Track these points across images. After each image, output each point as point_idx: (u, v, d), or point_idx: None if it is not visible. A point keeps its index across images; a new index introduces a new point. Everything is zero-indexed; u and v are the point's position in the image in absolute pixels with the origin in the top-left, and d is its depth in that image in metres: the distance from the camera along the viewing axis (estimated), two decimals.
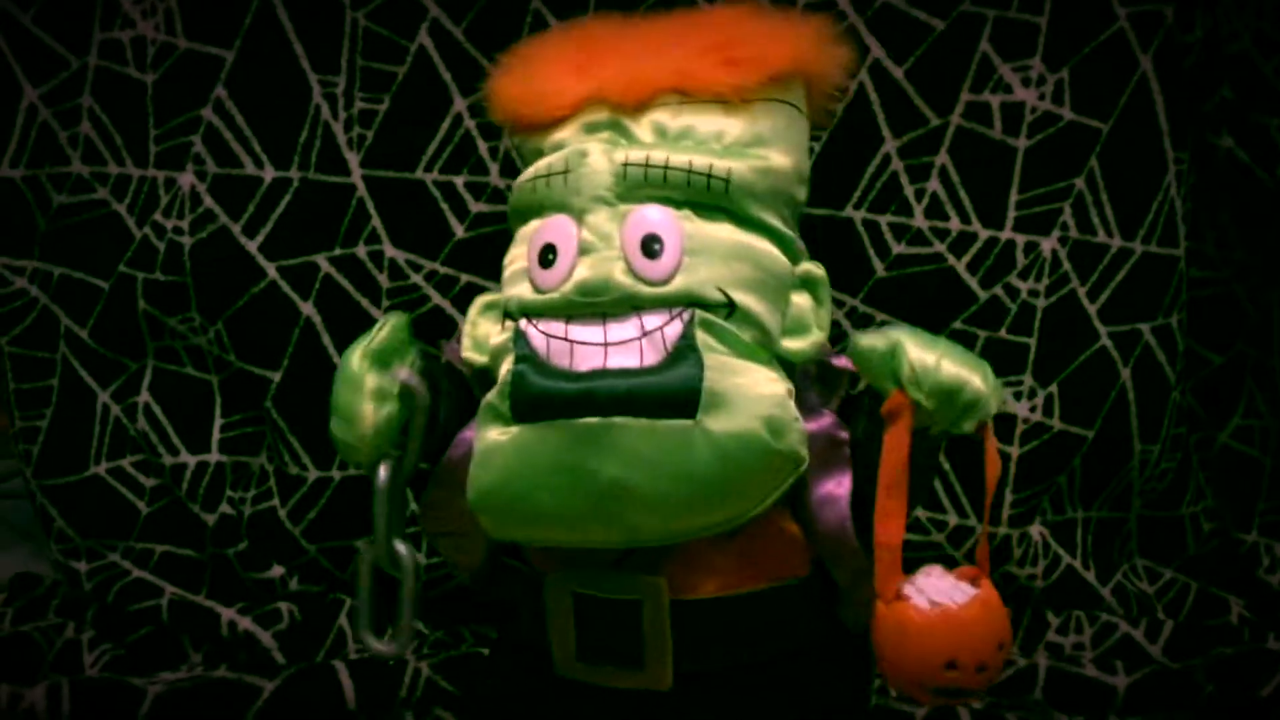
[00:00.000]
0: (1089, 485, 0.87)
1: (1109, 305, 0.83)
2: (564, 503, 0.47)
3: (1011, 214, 0.82)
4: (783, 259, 0.51)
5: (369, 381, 0.51)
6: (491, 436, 0.49)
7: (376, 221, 0.82)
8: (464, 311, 0.79)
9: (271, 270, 0.82)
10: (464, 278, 0.82)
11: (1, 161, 0.86)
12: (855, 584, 0.51)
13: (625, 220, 0.49)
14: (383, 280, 0.82)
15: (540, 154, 0.53)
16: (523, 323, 0.50)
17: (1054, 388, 0.83)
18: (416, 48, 0.80)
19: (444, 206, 0.81)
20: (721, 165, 0.50)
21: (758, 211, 0.51)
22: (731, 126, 0.51)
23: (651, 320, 0.48)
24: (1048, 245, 0.82)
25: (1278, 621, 0.84)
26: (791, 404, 0.49)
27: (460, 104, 0.80)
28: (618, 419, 0.46)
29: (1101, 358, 0.83)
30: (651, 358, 0.47)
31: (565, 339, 0.48)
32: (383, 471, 0.52)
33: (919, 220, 0.81)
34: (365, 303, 0.82)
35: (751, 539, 0.50)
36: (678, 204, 0.50)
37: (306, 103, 0.81)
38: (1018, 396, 0.83)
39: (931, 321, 0.81)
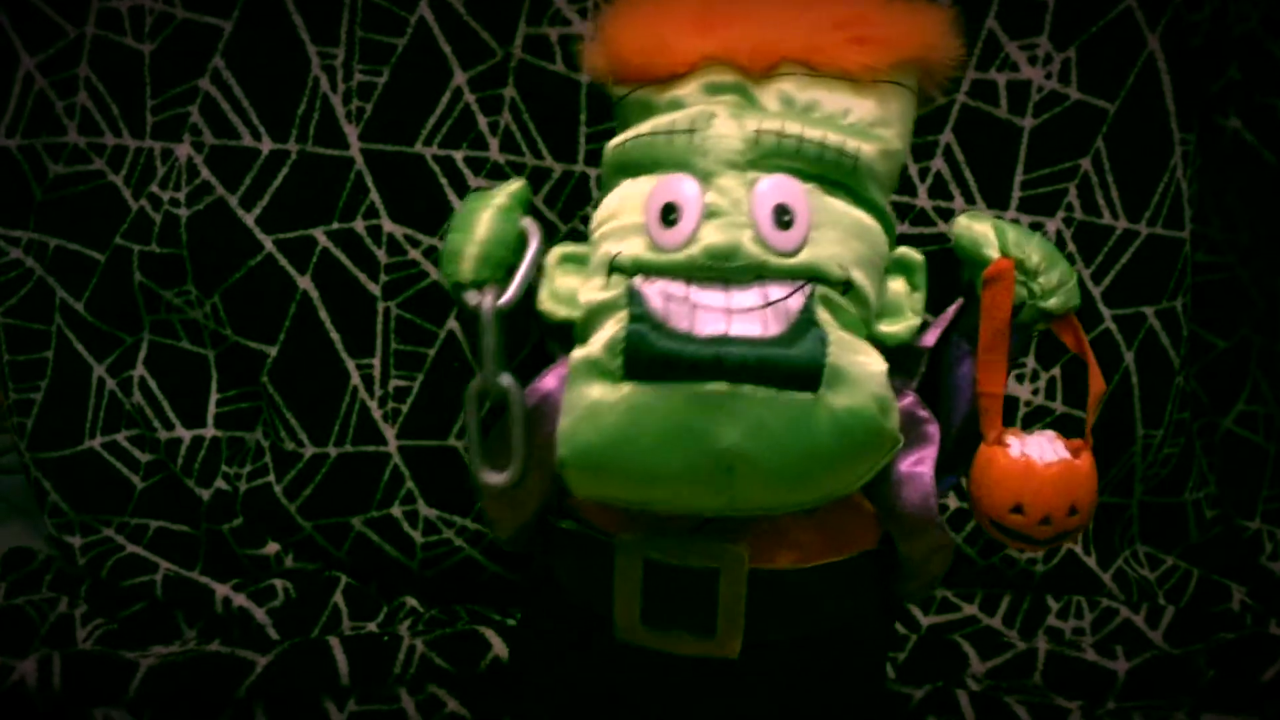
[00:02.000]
0: None
1: (1113, 288, 0.83)
2: (676, 466, 0.46)
3: (1016, 194, 0.81)
4: (886, 240, 0.51)
5: (497, 198, 0.52)
6: (594, 393, 0.47)
7: (375, 195, 0.81)
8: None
9: (268, 243, 0.81)
10: None
11: None
12: (925, 559, 0.53)
13: (755, 188, 0.48)
14: (381, 255, 0.82)
15: (650, 109, 0.52)
16: (637, 280, 0.48)
17: (1057, 370, 0.83)
18: (417, 19, 0.79)
19: (443, 181, 0.81)
20: (852, 143, 0.49)
21: (873, 192, 0.51)
22: (858, 105, 0.51)
23: (775, 291, 0.47)
24: (1052, 226, 0.82)
25: None
26: (890, 385, 0.48)
27: (460, 77, 0.80)
28: (745, 386, 0.45)
29: (1105, 341, 0.83)
30: (775, 329, 0.46)
31: (686, 301, 0.47)
32: (488, 298, 0.50)
33: (922, 199, 0.81)
34: (363, 278, 0.82)
35: (830, 512, 0.50)
36: (805, 177, 0.49)
37: (305, 74, 0.80)
38: (1020, 379, 0.83)
39: (934, 302, 0.80)
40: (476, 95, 0.80)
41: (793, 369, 0.46)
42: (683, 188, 0.49)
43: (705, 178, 0.49)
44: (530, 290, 0.51)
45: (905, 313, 0.51)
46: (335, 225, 0.81)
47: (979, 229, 0.52)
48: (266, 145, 0.81)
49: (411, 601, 0.83)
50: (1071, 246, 0.82)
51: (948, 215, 0.81)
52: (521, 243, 0.51)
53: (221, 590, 0.82)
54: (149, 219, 0.83)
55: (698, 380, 0.45)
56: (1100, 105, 0.80)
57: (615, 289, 0.49)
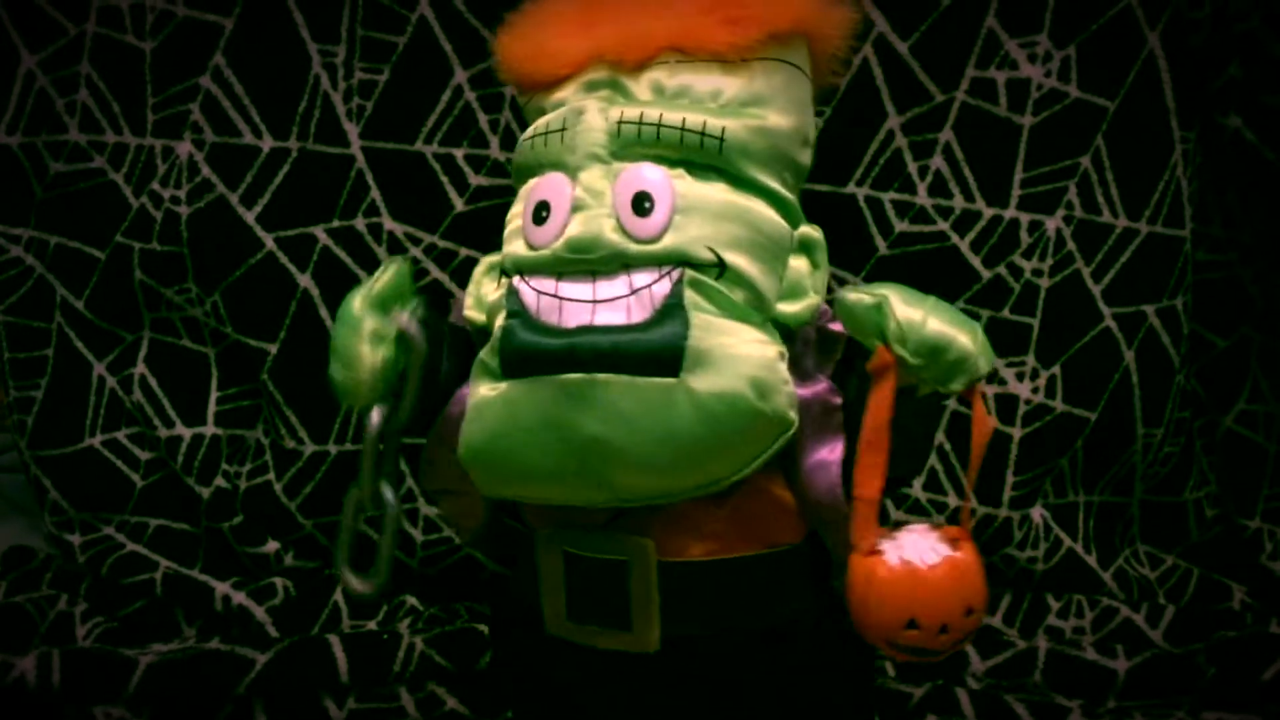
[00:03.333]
0: (1091, 468, 0.86)
1: (1113, 286, 0.83)
2: (548, 459, 0.47)
3: (1016, 192, 0.81)
4: (780, 221, 0.51)
5: (367, 324, 0.51)
6: (482, 392, 0.49)
7: (376, 193, 0.81)
8: (463, 285, 0.80)
9: (269, 241, 0.81)
10: (463, 251, 0.81)
11: None
12: (846, 552, 0.50)
13: (617, 178, 0.49)
14: (381, 253, 0.82)
15: (542, 113, 0.53)
16: (515, 279, 0.50)
17: (1056, 369, 0.83)
18: (417, 18, 0.79)
19: (444, 179, 0.81)
20: (715, 123, 0.49)
21: (754, 172, 0.50)
22: (729, 85, 0.50)
23: (640, 278, 0.48)
24: (1052, 224, 0.81)
25: None
26: (782, 366, 0.48)
27: (461, 75, 0.80)
28: (600, 375, 0.46)
29: (1105, 339, 0.83)
30: (639, 316, 0.47)
31: (555, 295, 0.48)
32: (375, 415, 0.52)
33: (922, 197, 0.81)
34: (363, 276, 0.81)
35: (743, 504, 0.49)
36: (671, 163, 0.49)
37: (306, 72, 0.80)
38: (1020, 377, 0.83)
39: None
40: (477, 93, 0.80)
41: (649, 354, 0.46)
42: (555, 185, 0.50)
43: (574, 173, 0.50)
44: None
45: (807, 292, 0.50)
46: (336, 223, 0.81)
47: (862, 308, 0.48)
48: (267, 143, 0.81)
49: (411, 600, 0.83)
50: (1072, 245, 0.82)
51: (947, 213, 0.81)
52: (407, 345, 0.51)
53: (221, 588, 0.82)
54: (150, 217, 0.83)
55: (557, 372, 0.46)
56: (1100, 103, 0.80)
57: (503, 289, 0.50)
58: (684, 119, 0.49)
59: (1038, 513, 0.85)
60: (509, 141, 0.80)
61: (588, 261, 0.48)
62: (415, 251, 0.81)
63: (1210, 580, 0.87)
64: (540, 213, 0.50)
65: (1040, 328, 0.82)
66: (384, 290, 0.52)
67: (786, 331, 0.50)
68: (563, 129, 0.50)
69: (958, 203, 0.81)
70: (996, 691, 0.74)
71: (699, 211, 0.49)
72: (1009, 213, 0.81)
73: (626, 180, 0.49)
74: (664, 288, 0.47)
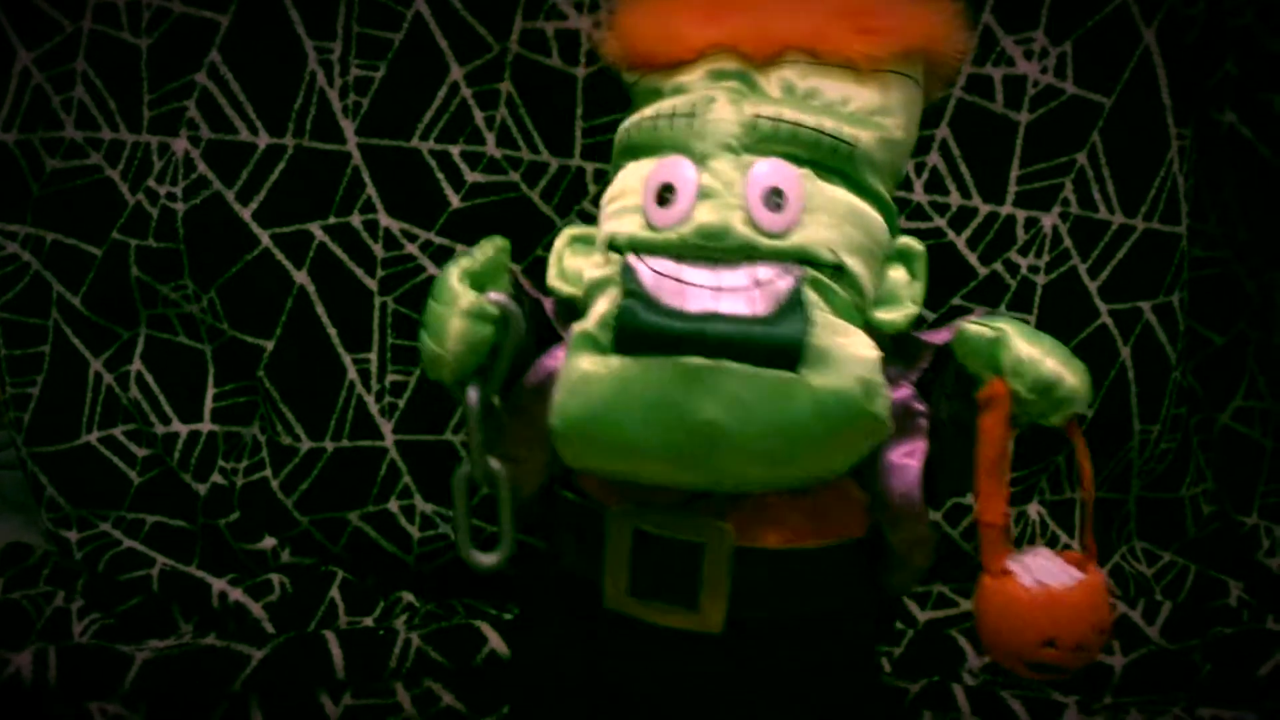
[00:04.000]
0: None
1: (1110, 283, 0.83)
2: (656, 438, 0.47)
3: (1012, 189, 0.81)
4: (886, 229, 0.52)
5: (465, 300, 0.51)
6: (585, 365, 0.49)
7: (372, 190, 0.81)
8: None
9: (265, 238, 0.81)
10: (459, 248, 0.81)
11: None
12: (910, 551, 0.53)
13: (749, 171, 0.49)
14: (377, 250, 0.82)
15: (657, 94, 0.53)
16: (631, 258, 0.50)
17: None
18: (413, 14, 0.79)
19: (439, 176, 0.81)
20: (850, 131, 0.50)
21: (872, 180, 0.51)
22: (859, 94, 0.51)
23: (764, 272, 0.48)
24: (1048, 221, 0.81)
25: (1278, 604, 0.84)
26: (881, 371, 0.49)
27: (457, 72, 0.80)
28: (725, 362, 0.46)
29: (1101, 336, 0.83)
30: (761, 308, 0.48)
31: (677, 278, 0.49)
32: (472, 394, 0.52)
33: (918, 194, 0.81)
34: (360, 272, 0.81)
35: (819, 497, 0.51)
36: (800, 162, 0.50)
37: (302, 69, 0.80)
38: None
39: (930, 297, 0.79)
40: (473, 90, 0.80)
41: (773, 347, 0.47)
42: (680, 169, 0.50)
43: (702, 160, 0.50)
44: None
45: (904, 301, 0.52)
46: (332, 220, 0.81)
47: (983, 340, 0.49)
48: (263, 140, 0.81)
49: (408, 596, 0.83)
50: (1068, 241, 0.82)
51: (944, 210, 0.81)
52: (502, 321, 0.52)
53: (218, 585, 0.82)
54: (146, 213, 0.83)
55: (680, 354, 0.47)
56: (1096, 100, 0.80)
57: (612, 266, 0.50)
58: (820, 123, 0.50)
59: (1034, 509, 0.85)
60: (505, 139, 0.80)
61: (714, 249, 0.49)
62: (411, 248, 0.81)
63: (1207, 577, 0.87)
64: (664, 194, 0.50)
65: (1037, 324, 0.82)
66: (483, 267, 0.52)
67: (875, 336, 0.50)
68: (691, 114, 0.51)
69: (954, 199, 0.81)
70: (992, 687, 0.73)
71: (825, 213, 0.49)
72: (1005, 209, 0.81)
73: (759, 174, 0.49)
74: (786, 283, 0.48)
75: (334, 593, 0.82)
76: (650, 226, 0.50)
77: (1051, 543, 0.84)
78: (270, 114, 0.81)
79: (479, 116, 0.80)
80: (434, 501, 0.83)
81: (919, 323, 0.53)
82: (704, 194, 0.49)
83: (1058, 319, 0.82)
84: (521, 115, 0.80)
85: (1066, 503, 0.86)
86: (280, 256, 0.81)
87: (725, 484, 0.49)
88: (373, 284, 0.82)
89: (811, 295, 0.48)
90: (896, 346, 0.52)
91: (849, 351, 0.48)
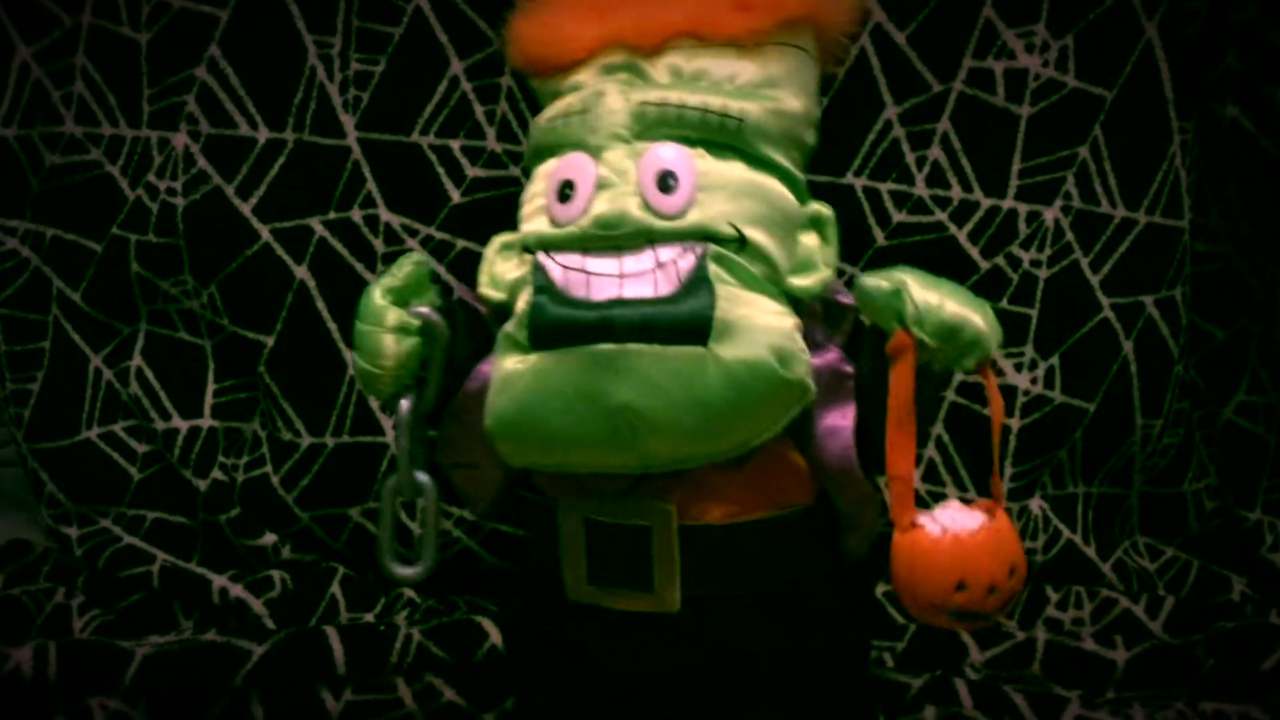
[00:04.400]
0: (1090, 460, 0.86)
1: (1112, 277, 0.83)
2: (579, 427, 0.49)
3: (1014, 183, 0.81)
4: (792, 198, 0.52)
5: (390, 317, 0.53)
6: (509, 365, 0.50)
7: (372, 185, 0.81)
8: (460, 277, 0.80)
9: (265, 233, 0.81)
10: (460, 243, 0.81)
11: None
12: (858, 511, 0.54)
13: (641, 157, 0.51)
14: (378, 245, 0.82)
15: (559, 96, 0.55)
16: (540, 256, 0.51)
17: (1055, 359, 0.83)
18: (413, 8, 0.79)
19: (440, 170, 0.81)
20: (735, 106, 0.51)
21: (769, 152, 0.52)
22: (744, 69, 0.52)
23: (665, 253, 0.49)
24: (1050, 215, 0.81)
25: None
26: (798, 336, 0.50)
27: (457, 66, 0.80)
28: (632, 345, 0.48)
29: (1104, 330, 0.83)
30: (665, 289, 0.49)
31: (582, 270, 0.50)
32: (404, 405, 0.53)
33: (920, 188, 0.81)
34: (360, 267, 0.81)
35: (758, 468, 0.51)
36: (692, 143, 0.51)
37: (302, 64, 0.80)
38: (1019, 368, 0.83)
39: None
40: (473, 84, 0.80)
41: (678, 324, 0.48)
42: (578, 164, 0.52)
43: (597, 152, 0.51)
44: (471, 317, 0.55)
45: (817, 266, 0.52)
46: (332, 215, 0.81)
47: (880, 293, 0.49)
48: (263, 134, 0.81)
49: (409, 592, 0.83)
50: (1070, 235, 0.82)
51: (945, 204, 0.81)
52: (431, 334, 0.53)
53: (219, 581, 0.82)
54: (146, 209, 0.83)
55: (590, 343, 0.48)
56: (1098, 93, 0.80)
57: (526, 266, 0.52)
58: (705, 101, 0.51)
59: (1036, 504, 0.85)
60: (505, 133, 0.80)
61: (614, 237, 0.50)
62: (411, 243, 0.81)
63: (1210, 572, 0.87)
64: (565, 191, 0.51)
65: (1039, 318, 0.82)
66: (404, 283, 0.54)
67: (796, 304, 0.51)
68: (583, 110, 0.52)
69: (955, 193, 0.81)
70: (995, 682, 0.73)
71: (720, 189, 0.50)
72: (1007, 203, 0.81)
73: (650, 159, 0.50)
74: (688, 262, 0.49)
75: (335, 588, 0.82)
76: (555, 223, 0.51)
77: (1053, 538, 0.84)
78: (270, 109, 0.81)
79: (479, 111, 0.80)
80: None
81: None
82: (601, 185, 0.50)
83: (1060, 313, 0.82)
84: (522, 109, 0.80)
85: (1069, 497, 0.86)
86: (280, 251, 0.81)
87: (656, 464, 0.50)
88: (373, 279, 0.81)
89: (716, 270, 0.49)
90: (826, 311, 0.53)
91: (757, 321, 0.49)
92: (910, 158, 0.80)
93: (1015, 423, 0.83)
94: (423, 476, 0.55)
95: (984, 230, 0.81)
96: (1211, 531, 0.91)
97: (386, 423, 0.82)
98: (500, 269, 0.55)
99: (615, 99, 0.52)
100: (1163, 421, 0.86)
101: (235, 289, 0.83)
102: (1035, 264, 0.81)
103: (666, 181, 0.50)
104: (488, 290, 0.55)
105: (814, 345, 0.51)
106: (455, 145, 0.80)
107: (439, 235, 0.81)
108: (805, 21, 0.54)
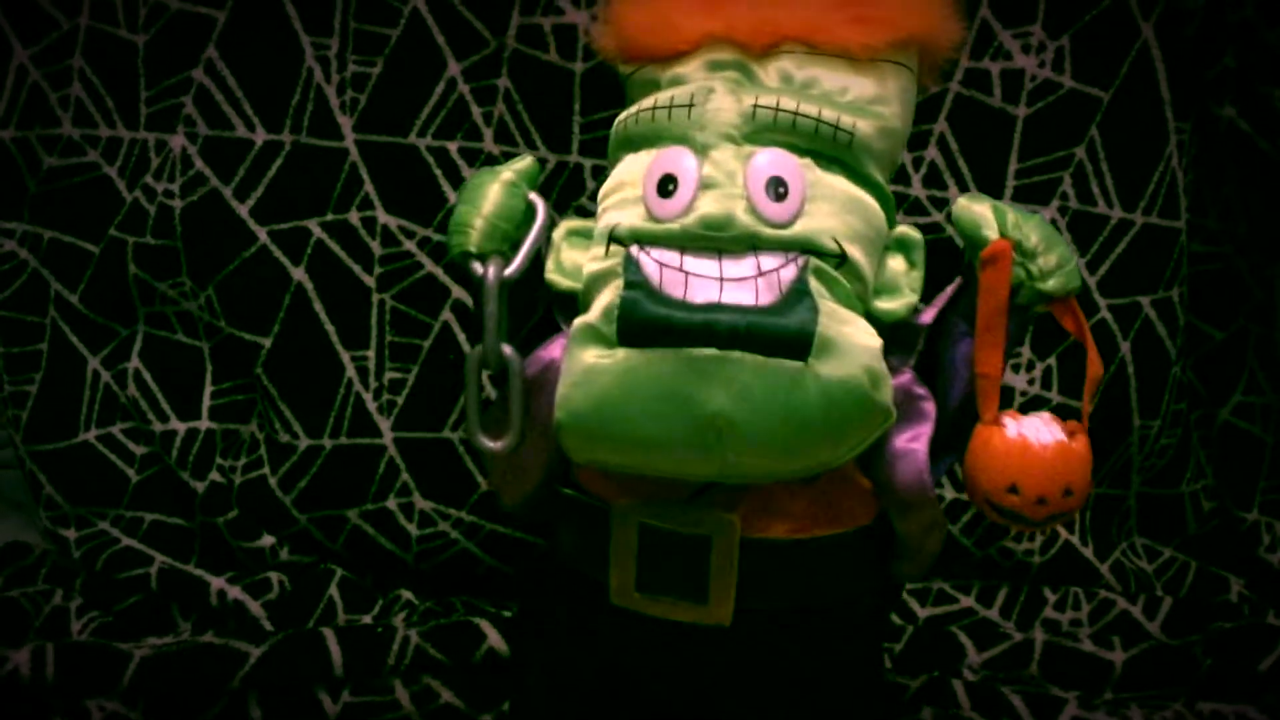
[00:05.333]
0: None
1: (1109, 277, 0.83)
2: (665, 431, 0.47)
3: (1010, 183, 0.81)
4: (884, 218, 0.52)
5: (504, 174, 0.53)
6: (589, 358, 0.48)
7: (369, 187, 0.81)
8: (457, 279, 0.80)
9: (263, 235, 0.81)
10: None
11: None
12: (922, 536, 0.53)
13: (750, 160, 0.50)
14: (375, 247, 0.82)
15: (655, 86, 0.54)
16: (634, 249, 0.50)
17: (1053, 360, 0.83)
18: (410, 10, 0.79)
19: (437, 172, 0.81)
20: (848, 120, 0.50)
21: (871, 169, 0.52)
22: (856, 83, 0.52)
23: (768, 261, 0.48)
24: (1047, 215, 0.81)
25: (1278, 599, 0.84)
26: (883, 359, 0.49)
27: (454, 68, 0.80)
28: (734, 353, 0.46)
29: (1101, 331, 0.83)
30: (766, 298, 0.48)
31: (680, 269, 0.49)
32: (492, 270, 0.52)
33: (916, 189, 0.81)
34: (357, 269, 0.81)
35: (825, 486, 0.51)
36: (800, 151, 0.50)
37: (299, 65, 0.80)
38: (1016, 369, 0.83)
39: (928, 292, 0.80)
40: (470, 85, 0.80)
41: (782, 337, 0.47)
42: (681, 160, 0.50)
43: (702, 150, 0.50)
44: (538, 264, 0.53)
45: (903, 290, 0.52)
46: (330, 216, 0.81)
47: (978, 209, 0.52)
48: (260, 136, 0.81)
49: (407, 594, 0.83)
50: (1067, 235, 0.81)
51: (942, 204, 0.81)
52: (528, 217, 0.53)
53: (216, 583, 0.82)
54: (143, 210, 0.83)
55: (689, 346, 0.46)
56: (1094, 94, 0.80)
57: (614, 258, 0.50)
58: (821, 111, 0.50)
59: None
60: (503, 135, 0.80)
61: (718, 239, 0.49)
62: (409, 244, 0.81)
63: (1208, 573, 0.87)
64: (666, 185, 0.50)
65: (1035, 319, 0.82)
66: (523, 170, 0.55)
67: (874, 324, 0.51)
68: (690, 105, 0.51)
69: (952, 194, 0.81)
70: (993, 683, 0.73)
71: (826, 202, 0.50)
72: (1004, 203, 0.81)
73: (761, 164, 0.49)
74: (790, 273, 0.48)
75: (333, 590, 0.82)
76: (652, 218, 0.50)
77: (1050, 540, 0.84)
78: (267, 110, 0.81)
79: (476, 112, 0.80)
80: (432, 499, 0.83)
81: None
82: (706, 184, 0.49)
83: None
84: (519, 111, 0.80)
85: None
86: (278, 253, 0.81)
87: (733, 475, 0.49)
88: (370, 281, 0.82)
89: (815, 284, 0.48)
90: (893, 333, 0.52)
91: (854, 340, 0.48)
92: (907, 158, 0.80)
93: None
94: (507, 349, 0.52)
95: None
96: (1209, 532, 0.91)
97: (385, 424, 0.82)
98: (569, 256, 0.53)
99: (725, 98, 0.50)
100: (1160, 422, 0.86)
101: (233, 291, 0.83)
102: None
103: (777, 188, 0.49)
104: (556, 276, 0.53)
105: (889, 368, 0.50)
106: (452, 147, 0.80)
107: (437, 237, 0.81)
108: (914, 40, 0.53)
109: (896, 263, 0.52)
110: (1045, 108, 0.80)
